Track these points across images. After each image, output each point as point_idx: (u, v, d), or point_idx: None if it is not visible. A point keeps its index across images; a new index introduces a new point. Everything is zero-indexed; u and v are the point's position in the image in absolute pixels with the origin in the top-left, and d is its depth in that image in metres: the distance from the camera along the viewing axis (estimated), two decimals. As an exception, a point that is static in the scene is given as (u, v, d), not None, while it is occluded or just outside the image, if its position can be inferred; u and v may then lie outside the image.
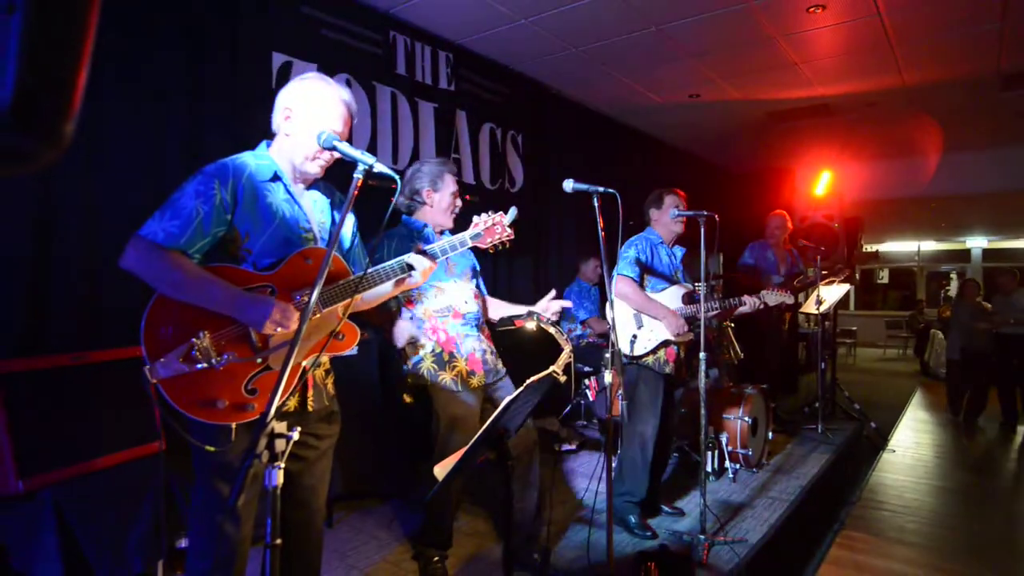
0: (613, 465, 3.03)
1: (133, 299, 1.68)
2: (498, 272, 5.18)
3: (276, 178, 1.82)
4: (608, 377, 2.37)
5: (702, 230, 3.18)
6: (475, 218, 2.08)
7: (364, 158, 1.56)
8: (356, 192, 1.52)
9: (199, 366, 1.60)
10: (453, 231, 2.88)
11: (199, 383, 1.63)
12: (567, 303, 2.84)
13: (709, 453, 4.13)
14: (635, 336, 3.33)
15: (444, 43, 4.67)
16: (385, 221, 1.70)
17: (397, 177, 1.60)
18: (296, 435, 1.47)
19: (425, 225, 2.81)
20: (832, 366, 6.51)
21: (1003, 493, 4.84)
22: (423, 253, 1.95)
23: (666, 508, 3.65)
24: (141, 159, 2.95)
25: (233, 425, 1.68)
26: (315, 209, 1.93)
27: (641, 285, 3.39)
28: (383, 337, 2.88)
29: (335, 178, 2.01)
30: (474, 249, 2.34)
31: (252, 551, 1.86)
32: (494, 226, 2.05)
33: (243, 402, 1.67)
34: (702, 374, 3.18)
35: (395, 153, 4.26)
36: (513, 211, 2.14)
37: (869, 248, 7.08)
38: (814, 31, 4.67)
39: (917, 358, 11.49)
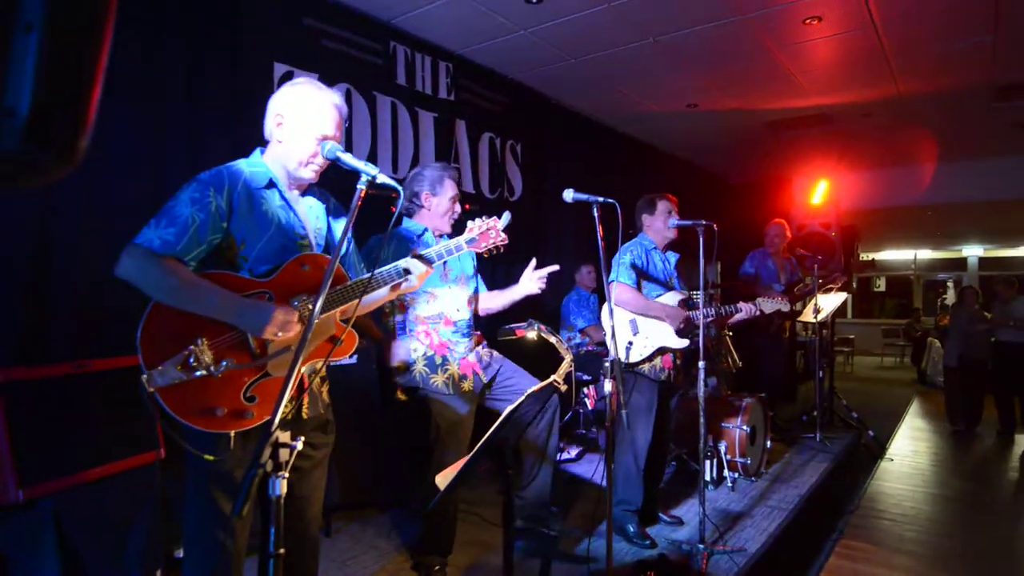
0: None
1: (135, 306, 1.67)
2: (497, 281, 5.19)
3: (271, 185, 1.83)
4: (607, 386, 2.37)
5: (700, 239, 3.20)
6: (469, 223, 2.11)
7: (367, 169, 1.57)
8: (360, 203, 1.53)
9: (197, 374, 1.60)
10: (451, 236, 2.91)
11: (197, 391, 1.62)
12: (553, 267, 2.84)
13: (708, 462, 4.14)
14: (631, 343, 3.33)
15: (444, 53, 4.70)
16: (389, 229, 1.72)
17: (400, 187, 1.61)
18: (300, 444, 1.46)
19: (425, 230, 2.82)
20: (830, 374, 6.52)
21: (1001, 502, 4.85)
22: (420, 257, 1.95)
23: (665, 517, 3.65)
24: (142, 169, 2.97)
25: (232, 433, 1.67)
26: (310, 215, 1.93)
27: (639, 292, 3.40)
28: (380, 353, 2.89)
29: (329, 183, 2.02)
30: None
31: (247, 561, 1.85)
32: (488, 231, 2.07)
33: (242, 409, 1.67)
34: (701, 382, 3.19)
35: (395, 162, 4.28)
36: (507, 216, 2.16)
37: (866, 257, 7.12)
38: (811, 42, 4.71)
39: (914, 367, 11.51)
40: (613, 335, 2.40)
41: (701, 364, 3.18)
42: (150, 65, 3.01)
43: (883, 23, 4.36)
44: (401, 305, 2.81)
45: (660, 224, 3.49)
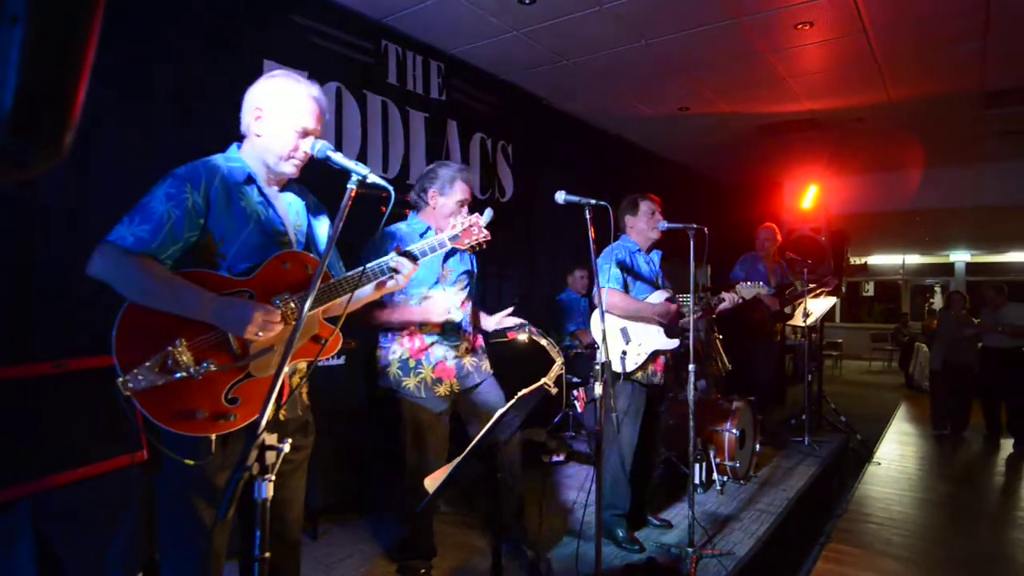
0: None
1: (117, 305, 1.62)
2: (488, 282, 5.18)
3: (249, 180, 1.77)
4: (597, 389, 2.36)
5: (691, 243, 3.19)
6: (452, 220, 2.08)
7: (358, 168, 1.54)
8: (350, 203, 1.50)
9: (176, 376, 1.55)
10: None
11: (177, 394, 1.56)
12: (517, 320, 2.82)
13: (697, 465, 4.13)
14: (624, 352, 3.31)
15: (436, 53, 4.67)
16: (381, 227, 1.69)
17: (390, 187, 1.58)
18: (287, 447, 1.43)
19: (428, 228, 2.78)
20: (819, 378, 6.55)
21: (986, 506, 4.88)
22: (406, 254, 1.92)
23: (654, 520, 3.64)
24: (129, 166, 2.92)
25: (213, 437, 1.62)
26: (290, 212, 1.88)
27: (627, 295, 3.37)
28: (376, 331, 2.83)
29: (316, 182, 1.99)
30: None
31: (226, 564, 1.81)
32: (471, 227, 2.04)
33: (224, 412, 1.62)
34: (691, 386, 3.18)
35: (385, 162, 4.25)
36: (488, 212, 2.14)
37: (856, 261, 7.19)
38: (802, 47, 4.72)
39: (902, 371, 11.59)
40: (604, 338, 2.38)
41: (691, 367, 3.17)
42: (138, 61, 2.97)
43: (874, 29, 4.38)
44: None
45: (643, 225, 3.45)
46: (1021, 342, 6.78)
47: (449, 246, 2.01)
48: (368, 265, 1.83)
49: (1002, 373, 6.81)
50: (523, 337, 2.58)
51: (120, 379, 1.50)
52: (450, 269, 2.82)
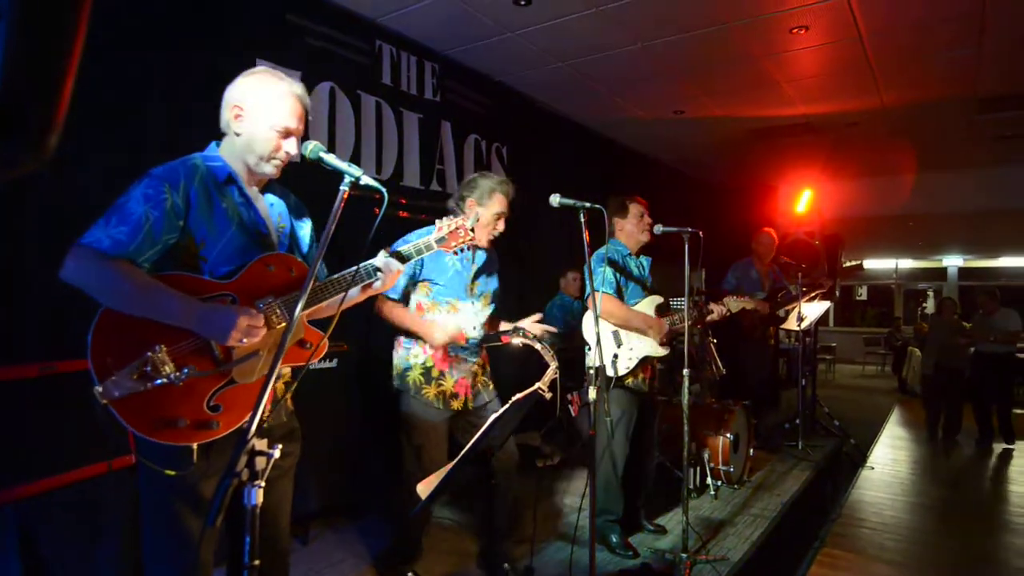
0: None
1: (96, 309, 1.58)
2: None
3: (230, 180, 1.72)
4: (591, 393, 2.34)
5: (686, 246, 3.18)
6: (438, 221, 2.03)
7: (351, 170, 1.51)
8: (343, 204, 1.47)
9: (156, 382, 1.49)
10: (488, 251, 2.86)
11: (156, 401, 1.51)
12: (551, 328, 2.80)
13: (691, 470, 4.12)
14: (616, 356, 3.29)
15: (430, 53, 4.65)
16: (372, 233, 1.66)
17: (384, 189, 1.56)
18: (277, 452, 1.39)
19: None
20: (812, 383, 6.56)
21: (979, 509, 4.88)
22: (395, 255, 1.88)
23: (648, 525, 3.63)
24: (118, 165, 2.89)
25: (194, 446, 1.56)
26: (272, 213, 1.84)
27: (621, 302, 3.35)
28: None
29: (289, 181, 1.96)
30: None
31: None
32: (457, 229, 2.02)
33: (206, 420, 1.56)
34: (685, 390, 3.17)
35: (379, 163, 4.23)
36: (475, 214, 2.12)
37: (850, 265, 7.22)
38: (797, 51, 4.73)
39: (895, 375, 11.63)
40: (598, 342, 2.36)
41: (686, 372, 3.16)
42: (128, 60, 2.93)
43: (869, 34, 4.39)
44: (420, 307, 2.75)
45: (632, 227, 3.43)
46: (1013, 347, 6.82)
47: (436, 248, 1.98)
48: (356, 267, 1.78)
49: (994, 377, 6.84)
50: (517, 341, 2.55)
51: (97, 387, 1.45)
52: (478, 284, 2.80)
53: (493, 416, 2.03)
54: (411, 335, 2.75)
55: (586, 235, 2.39)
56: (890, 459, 6.18)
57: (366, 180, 1.53)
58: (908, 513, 4.59)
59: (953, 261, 15.53)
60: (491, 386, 2.91)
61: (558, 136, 6.19)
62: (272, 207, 1.85)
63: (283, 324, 1.66)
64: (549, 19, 4.19)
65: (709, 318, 3.59)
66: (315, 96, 3.82)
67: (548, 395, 2.18)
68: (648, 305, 3.42)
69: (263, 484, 1.38)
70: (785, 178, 8.90)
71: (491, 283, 2.90)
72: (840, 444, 5.97)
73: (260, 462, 1.38)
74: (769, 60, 4.89)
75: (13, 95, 0.61)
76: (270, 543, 1.83)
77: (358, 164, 1.57)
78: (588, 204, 2.43)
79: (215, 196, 1.68)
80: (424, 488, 2.03)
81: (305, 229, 1.95)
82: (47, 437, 2.44)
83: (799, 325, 5.50)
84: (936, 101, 5.76)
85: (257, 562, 1.37)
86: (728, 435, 4.25)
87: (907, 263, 16.45)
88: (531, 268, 5.79)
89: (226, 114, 1.74)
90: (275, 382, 1.77)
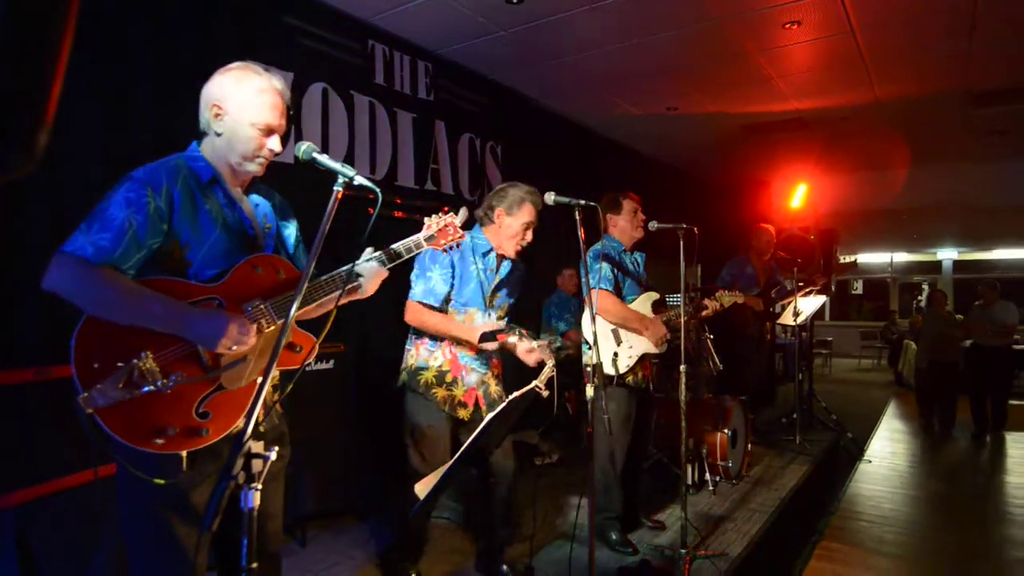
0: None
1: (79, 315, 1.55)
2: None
3: (214, 181, 1.67)
4: (589, 391, 2.34)
5: (681, 243, 3.17)
6: (426, 220, 1.99)
7: (345, 170, 1.48)
8: (336, 205, 1.46)
9: (144, 390, 1.45)
10: (514, 261, 2.84)
11: (144, 410, 1.46)
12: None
13: (689, 466, 4.12)
14: (616, 354, 3.29)
15: (423, 53, 4.64)
16: (366, 234, 1.64)
17: (377, 189, 1.54)
18: (274, 455, 1.38)
19: (491, 249, 2.76)
20: (809, 377, 6.57)
21: (975, 501, 4.91)
22: (387, 253, 1.85)
23: (647, 521, 3.63)
24: (111, 166, 2.87)
25: (183, 453, 1.52)
26: (257, 213, 1.79)
27: (619, 300, 3.35)
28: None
29: (282, 181, 1.94)
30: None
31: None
32: (446, 227, 2.00)
33: (196, 427, 1.52)
34: (683, 386, 3.17)
35: (373, 163, 4.22)
36: (463, 212, 2.10)
37: (847, 258, 7.24)
38: (789, 47, 4.73)
39: (891, 368, 11.67)
40: (596, 341, 2.36)
41: (683, 368, 3.16)
42: (119, 62, 2.92)
43: (861, 29, 4.39)
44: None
45: (626, 224, 3.42)
46: (1009, 340, 6.85)
47: (425, 246, 1.96)
48: (337, 270, 1.75)
49: (991, 370, 6.88)
50: (513, 339, 2.55)
51: (81, 396, 1.40)
52: (498, 297, 2.78)
53: (490, 415, 2.02)
54: (437, 338, 2.72)
55: (581, 232, 2.38)
56: (888, 452, 6.21)
57: (360, 180, 1.51)
58: (906, 506, 4.61)
59: (948, 254, 15.60)
60: (503, 397, 2.87)
61: (552, 134, 6.19)
62: (257, 207, 1.81)
63: (272, 328, 1.63)
64: (541, 17, 4.19)
65: (703, 314, 3.60)
66: (308, 97, 3.81)
67: (545, 393, 2.17)
68: (644, 302, 3.42)
69: (260, 487, 1.37)
70: (779, 173, 8.91)
71: (510, 298, 2.88)
72: (837, 438, 5.98)
73: (256, 464, 1.38)
74: (762, 56, 4.90)
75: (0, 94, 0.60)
76: (261, 547, 1.81)
77: (352, 164, 1.56)
78: (583, 202, 2.42)
79: (199, 198, 1.64)
80: (422, 488, 2.03)
81: (290, 229, 1.92)
82: (43, 442, 2.42)
83: (795, 320, 5.51)
84: (929, 95, 5.78)
85: (255, 564, 1.36)
86: (726, 431, 4.26)
87: (902, 256, 16.51)
88: (527, 265, 5.79)
89: (205, 113, 1.68)
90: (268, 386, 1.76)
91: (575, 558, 2.99)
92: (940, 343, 7.15)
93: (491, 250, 2.76)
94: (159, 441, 1.48)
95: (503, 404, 2.04)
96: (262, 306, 1.62)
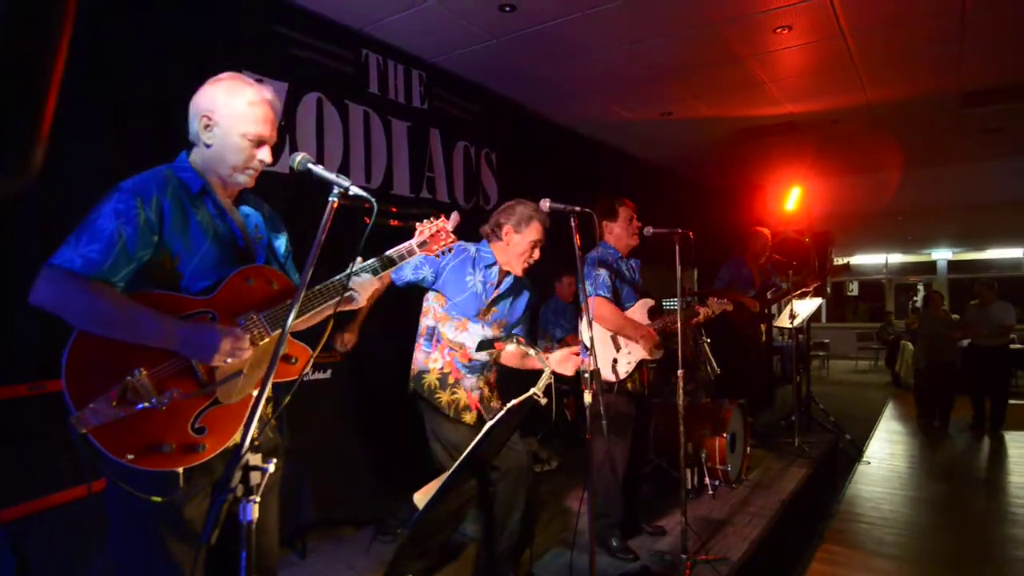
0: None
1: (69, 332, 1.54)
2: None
3: (204, 192, 1.66)
4: (587, 398, 2.34)
5: (677, 247, 3.18)
6: (418, 225, 1.99)
7: (340, 181, 1.48)
8: (332, 216, 1.45)
9: (139, 407, 1.42)
10: (518, 279, 2.82)
11: (139, 427, 1.43)
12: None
13: (688, 470, 4.12)
14: (615, 360, 3.29)
15: (417, 61, 4.66)
16: (361, 244, 1.64)
17: (373, 199, 1.53)
18: (272, 467, 1.37)
19: (495, 263, 2.74)
20: (807, 379, 6.57)
21: (975, 502, 4.91)
22: (381, 260, 1.84)
23: (647, 527, 3.62)
24: (104, 178, 2.87)
25: (180, 470, 1.50)
26: (248, 224, 1.77)
27: (616, 307, 3.35)
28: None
29: (278, 192, 1.95)
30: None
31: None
32: (438, 232, 2.00)
33: (192, 443, 1.51)
34: (680, 391, 3.17)
35: (368, 172, 4.22)
36: (455, 216, 2.10)
37: (840, 261, 7.26)
38: (781, 51, 4.76)
39: (888, 369, 11.68)
40: (593, 347, 2.36)
41: (680, 372, 3.16)
42: (113, 73, 2.92)
43: (851, 32, 4.42)
44: (434, 315, 2.73)
45: (621, 231, 3.42)
46: (1006, 339, 6.88)
47: (418, 252, 1.96)
48: (332, 279, 1.73)
49: (988, 370, 6.90)
50: (511, 347, 2.55)
51: (73, 416, 1.37)
52: (495, 311, 2.77)
53: (489, 423, 2.02)
54: (432, 342, 2.72)
55: (577, 239, 2.39)
56: (886, 453, 6.21)
57: (355, 191, 1.50)
58: (906, 507, 4.61)
59: (942, 254, 15.65)
60: (497, 403, 2.83)
61: (547, 140, 6.20)
62: (248, 218, 1.79)
63: (266, 340, 1.62)
64: (534, 24, 4.20)
65: (693, 321, 3.61)
66: (302, 106, 3.81)
67: (543, 400, 2.17)
68: (641, 308, 3.42)
69: (259, 499, 1.36)
70: (774, 176, 8.95)
71: (513, 312, 2.85)
72: (836, 440, 5.99)
73: (254, 477, 1.37)
74: (754, 60, 4.92)
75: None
76: (257, 564, 1.80)
77: (347, 174, 1.56)
78: (579, 208, 2.42)
79: (189, 208, 1.62)
80: (421, 497, 2.02)
81: (281, 239, 1.90)
82: (37, 457, 2.41)
83: (791, 323, 5.52)
84: (920, 96, 5.81)
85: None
86: (724, 434, 4.26)
87: (897, 257, 16.56)
88: (525, 273, 5.79)
89: (195, 123, 1.67)
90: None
91: (576, 565, 2.98)
92: (938, 343, 7.17)
93: (494, 264, 2.75)
94: (156, 458, 1.46)
95: (501, 412, 2.03)
96: (256, 318, 1.60)
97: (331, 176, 1.51)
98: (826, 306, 15.71)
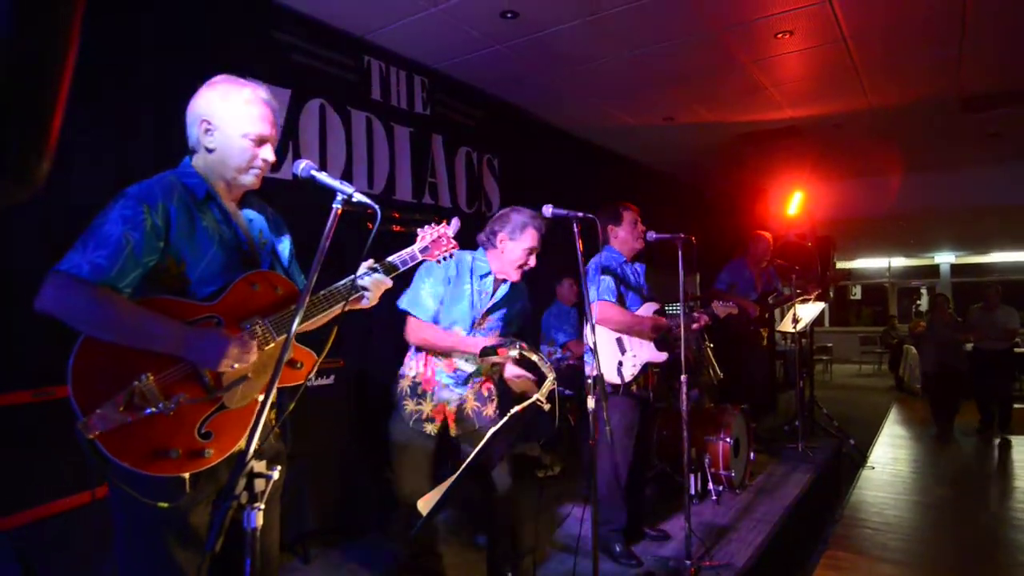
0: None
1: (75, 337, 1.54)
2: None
3: (209, 197, 1.66)
4: (590, 403, 2.34)
5: (680, 252, 3.18)
6: (419, 231, 1.99)
7: (343, 187, 1.49)
8: (335, 222, 1.46)
9: (146, 412, 1.43)
10: (514, 284, 2.80)
11: (146, 433, 1.44)
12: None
13: (692, 476, 4.11)
14: (621, 363, 3.29)
15: (419, 68, 4.67)
16: (366, 250, 1.64)
17: (376, 206, 1.53)
18: (276, 474, 1.37)
19: (489, 273, 2.73)
20: (810, 384, 6.56)
21: (981, 507, 4.88)
22: (383, 265, 1.85)
23: (651, 532, 3.61)
24: (106, 187, 2.87)
25: (186, 476, 1.51)
26: (252, 228, 1.77)
27: (622, 308, 3.36)
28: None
29: (282, 198, 1.94)
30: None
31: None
32: (440, 238, 2.00)
33: (199, 448, 1.51)
34: (684, 396, 3.17)
35: (370, 178, 4.23)
36: (456, 222, 2.10)
37: (842, 265, 7.27)
38: (782, 56, 4.77)
39: (892, 373, 11.65)
40: (595, 351, 2.36)
41: (683, 377, 3.15)
42: (115, 81, 2.93)
43: (852, 37, 4.42)
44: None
45: (626, 235, 3.42)
46: (1011, 343, 6.87)
47: (420, 258, 1.96)
48: (338, 283, 1.74)
49: (994, 373, 6.88)
50: (514, 353, 2.55)
51: (80, 421, 1.38)
52: (489, 320, 2.76)
53: (492, 430, 2.02)
54: (419, 348, 2.72)
55: (579, 244, 2.39)
56: (890, 458, 6.19)
57: (358, 197, 1.51)
58: (910, 512, 4.59)
59: (945, 258, 15.63)
60: (488, 410, 2.78)
61: (549, 146, 6.21)
62: (252, 222, 1.79)
63: (272, 345, 1.62)
64: (536, 30, 4.22)
65: (694, 326, 3.61)
66: (305, 113, 3.83)
67: (547, 406, 2.17)
68: (646, 312, 3.42)
69: (263, 506, 1.36)
70: (776, 181, 8.95)
71: (510, 320, 2.83)
72: (840, 445, 5.97)
73: (259, 484, 1.37)
74: (756, 66, 4.93)
75: (2, 122, 0.59)
76: (259, 572, 1.79)
77: (349, 180, 1.57)
78: (581, 214, 2.43)
79: (195, 214, 1.62)
80: (424, 504, 2.02)
81: (285, 243, 1.90)
82: (42, 463, 2.41)
83: (794, 327, 5.51)
84: (921, 101, 5.81)
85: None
86: (728, 439, 4.25)
87: (899, 261, 16.53)
88: (526, 277, 5.79)
89: (194, 130, 1.68)
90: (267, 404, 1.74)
91: (579, 571, 2.97)
92: (946, 348, 7.15)
93: (489, 273, 2.74)
94: (163, 464, 1.46)
95: (504, 419, 2.03)
96: (261, 323, 1.61)
97: (335, 183, 1.52)
98: (829, 310, 15.69)
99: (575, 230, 2.41)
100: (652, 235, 3.36)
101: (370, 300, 1.82)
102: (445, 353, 2.68)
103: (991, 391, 6.99)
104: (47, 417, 2.39)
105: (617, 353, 3.31)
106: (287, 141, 3.67)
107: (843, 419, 6.66)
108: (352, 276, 1.77)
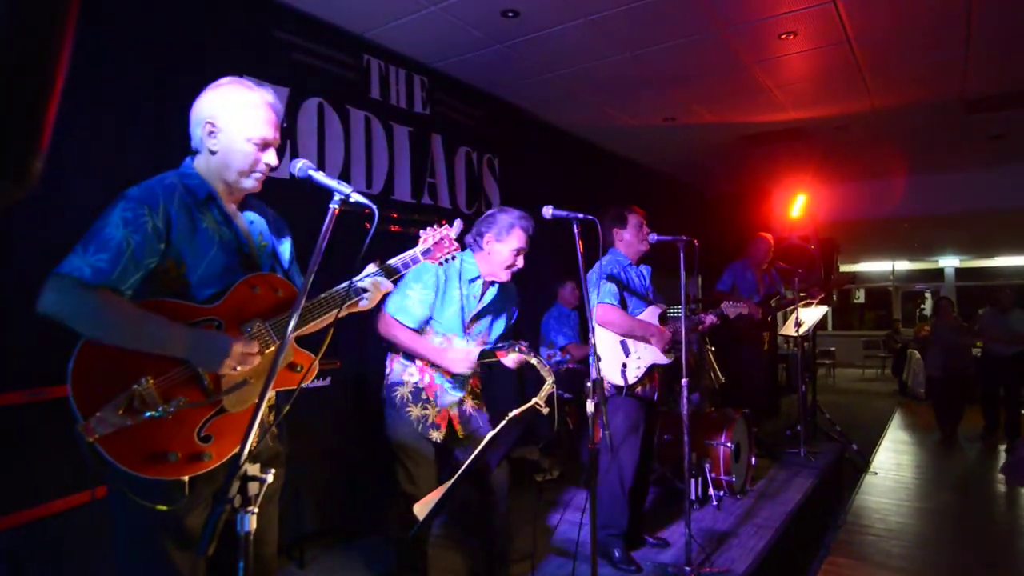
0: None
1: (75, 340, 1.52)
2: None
3: (210, 199, 1.66)
4: (590, 406, 2.31)
5: (681, 255, 3.15)
6: (421, 233, 1.97)
7: (340, 187, 1.48)
8: (332, 223, 1.45)
9: (146, 415, 1.43)
10: (503, 285, 2.77)
11: (145, 436, 1.44)
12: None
13: (693, 480, 4.07)
14: (625, 365, 3.25)
15: (419, 67, 4.64)
16: (363, 251, 1.62)
17: (374, 206, 1.52)
18: (271, 477, 1.37)
19: (478, 276, 2.69)
20: (812, 388, 6.51)
21: (985, 513, 4.84)
22: (385, 268, 1.83)
23: (650, 539, 3.57)
24: (104, 190, 2.85)
25: (186, 479, 1.50)
26: (253, 231, 1.77)
27: (624, 312, 3.33)
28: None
29: (279, 198, 1.92)
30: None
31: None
32: (442, 240, 1.98)
33: (198, 451, 1.51)
34: (684, 400, 3.14)
35: (369, 177, 4.20)
36: (458, 224, 2.07)
37: (846, 268, 7.24)
38: (786, 57, 4.73)
39: (895, 378, 11.59)
40: (596, 355, 2.33)
41: (684, 381, 3.12)
42: (112, 79, 2.91)
43: (857, 38, 4.39)
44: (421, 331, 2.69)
45: (631, 238, 3.40)
46: (1021, 348, 6.81)
47: (422, 260, 1.93)
48: (337, 287, 1.73)
49: (1003, 378, 6.83)
50: (513, 356, 2.51)
51: (80, 424, 1.37)
52: (478, 324, 2.72)
53: (490, 434, 1.99)
54: (393, 348, 2.68)
55: (579, 246, 2.36)
56: (893, 464, 6.14)
57: (356, 197, 1.50)
58: (913, 518, 4.54)
59: (949, 262, 15.56)
60: (483, 407, 2.78)
61: (550, 146, 6.18)
62: (252, 225, 1.78)
63: (272, 348, 1.61)
64: (537, 30, 4.19)
65: (699, 328, 3.58)
66: (303, 112, 3.80)
67: (545, 410, 2.14)
68: (650, 316, 3.39)
69: (256, 510, 1.35)
70: (779, 183, 8.90)
71: (498, 324, 2.80)
72: (842, 450, 5.92)
73: (253, 487, 1.36)
74: (759, 66, 4.90)
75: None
76: (257, 571, 1.77)
77: (348, 179, 1.55)
78: (581, 216, 2.40)
79: (196, 215, 1.62)
80: (421, 508, 1.99)
81: (285, 245, 1.89)
82: (39, 464, 2.39)
83: (797, 330, 5.47)
84: (926, 103, 5.77)
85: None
86: (729, 444, 4.21)
87: (903, 265, 16.47)
88: (526, 279, 5.76)
89: (197, 131, 1.67)
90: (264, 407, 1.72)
91: (577, 577, 2.94)
92: (953, 352, 7.10)
93: (478, 277, 2.70)
94: (162, 467, 1.46)
95: (503, 423, 2.00)
96: (261, 326, 1.61)
97: (332, 183, 1.51)
98: (832, 314, 15.63)
99: (575, 231, 2.38)
100: (654, 237, 3.34)
101: (369, 303, 1.82)
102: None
103: (1000, 396, 6.93)
104: (40, 418, 2.36)
105: (621, 355, 3.28)
106: (284, 140, 3.65)
107: (846, 424, 6.61)
108: (351, 280, 1.76)
